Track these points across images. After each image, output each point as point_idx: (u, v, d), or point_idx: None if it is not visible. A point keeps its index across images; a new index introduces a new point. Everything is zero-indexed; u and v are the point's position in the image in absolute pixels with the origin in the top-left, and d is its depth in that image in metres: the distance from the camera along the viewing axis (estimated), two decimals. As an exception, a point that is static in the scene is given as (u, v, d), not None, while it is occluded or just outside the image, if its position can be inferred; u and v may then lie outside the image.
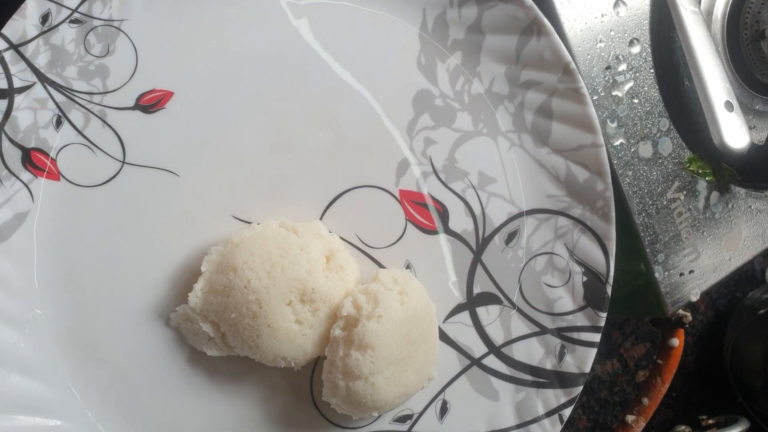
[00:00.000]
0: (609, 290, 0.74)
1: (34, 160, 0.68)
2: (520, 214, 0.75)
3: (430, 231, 0.74)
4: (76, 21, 0.68)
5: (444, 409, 0.75)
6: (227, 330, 0.66)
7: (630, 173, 0.77)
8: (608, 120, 0.76)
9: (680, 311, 0.82)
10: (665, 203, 0.79)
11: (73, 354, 0.69)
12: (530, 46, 0.73)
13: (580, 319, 0.74)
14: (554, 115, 0.74)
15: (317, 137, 0.73)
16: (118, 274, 0.69)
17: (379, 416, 0.73)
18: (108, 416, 0.69)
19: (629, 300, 0.83)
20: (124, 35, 0.69)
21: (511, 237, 0.75)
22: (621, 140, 0.77)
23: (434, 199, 0.75)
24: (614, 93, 0.77)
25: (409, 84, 0.74)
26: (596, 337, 0.74)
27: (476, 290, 0.75)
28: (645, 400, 0.83)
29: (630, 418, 0.83)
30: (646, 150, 0.78)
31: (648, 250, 0.78)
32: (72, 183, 0.69)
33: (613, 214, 0.73)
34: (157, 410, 0.70)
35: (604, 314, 0.74)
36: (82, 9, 0.68)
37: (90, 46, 0.68)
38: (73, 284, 0.69)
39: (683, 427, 0.91)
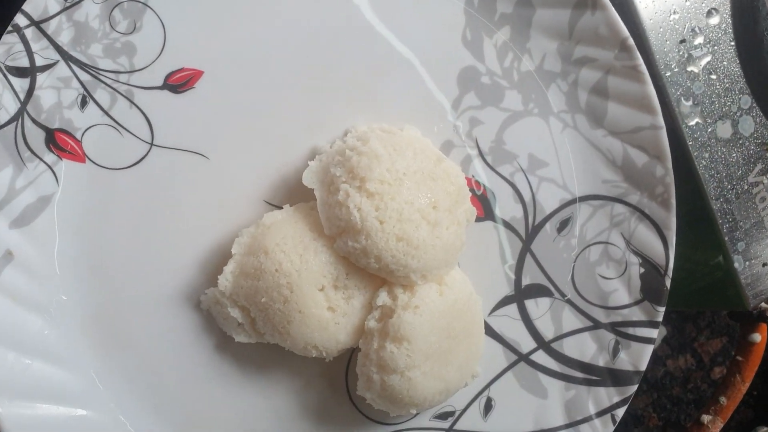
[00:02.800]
0: (668, 283, 0.69)
1: (58, 141, 0.66)
2: (573, 201, 0.71)
3: (476, 218, 0.70)
4: (100, -4, 0.66)
5: (488, 407, 0.71)
6: (257, 315, 0.64)
7: (707, 155, 0.72)
8: (683, 98, 0.71)
9: (763, 304, 0.76)
10: (746, 187, 0.73)
11: (99, 341, 0.68)
12: (584, 21, 0.68)
13: (636, 314, 0.70)
14: (610, 94, 0.69)
15: (355, 118, 0.69)
16: (145, 258, 0.68)
17: (418, 413, 0.70)
18: (132, 405, 0.68)
19: (705, 292, 0.78)
20: (152, 11, 0.66)
21: (563, 225, 0.71)
22: (697, 120, 0.71)
23: (480, 184, 0.71)
24: (689, 68, 0.71)
25: (454, 60, 0.70)
26: (653, 333, 0.70)
27: (525, 281, 0.71)
28: (723, 399, 0.79)
29: (706, 418, 0.79)
30: (724, 130, 0.72)
31: (727, 239, 0.73)
32: (98, 165, 0.67)
33: (674, 201, 0.68)
34: (183, 399, 0.69)
35: (663, 309, 0.70)
36: (106, -16, 0.66)
37: (115, 23, 0.66)
38: (98, 269, 0.67)
39: (766, 429, 0.86)
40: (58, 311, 0.67)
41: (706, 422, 0.79)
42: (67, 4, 0.64)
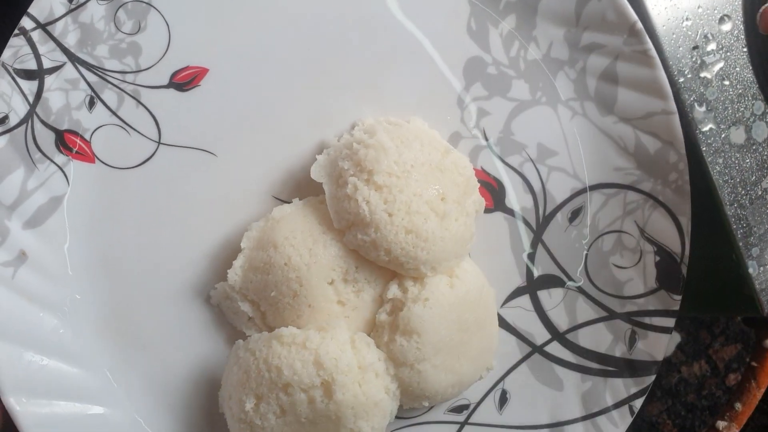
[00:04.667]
0: (685, 271, 0.68)
1: (67, 142, 0.67)
2: (584, 190, 0.70)
3: (486, 209, 0.70)
4: (104, -3, 0.67)
5: (503, 399, 0.71)
6: (267, 309, 0.65)
7: (720, 161, 0.70)
8: (696, 104, 0.70)
9: None
10: (760, 193, 0.72)
11: (111, 339, 0.68)
12: (591, 6, 0.68)
13: (652, 303, 0.69)
14: (620, 80, 0.68)
15: (362, 111, 0.69)
16: (155, 255, 0.68)
17: (432, 406, 0.70)
18: (146, 402, 0.69)
19: (719, 298, 0.77)
20: (156, 11, 0.67)
21: (575, 214, 0.70)
22: (710, 125, 0.70)
23: (489, 175, 0.70)
24: (702, 75, 0.70)
25: (459, 51, 0.70)
26: (670, 322, 0.69)
27: (537, 272, 0.71)
28: (738, 406, 0.77)
29: (721, 424, 0.77)
30: (738, 136, 0.71)
31: (741, 244, 0.71)
32: (107, 165, 0.68)
33: (689, 188, 0.67)
34: (195, 395, 0.69)
35: (679, 297, 0.68)
36: (110, -15, 0.67)
37: (120, 24, 0.67)
38: (110, 267, 0.68)
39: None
40: (71, 310, 0.67)
41: (721, 429, 0.78)
42: (73, 6, 0.65)
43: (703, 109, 0.70)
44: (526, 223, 0.70)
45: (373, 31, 0.69)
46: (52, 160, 0.66)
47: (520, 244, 0.71)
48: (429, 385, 0.64)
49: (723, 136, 0.70)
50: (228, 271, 0.65)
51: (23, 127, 0.65)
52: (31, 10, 0.64)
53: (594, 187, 0.70)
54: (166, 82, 0.68)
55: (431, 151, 0.64)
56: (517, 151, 0.70)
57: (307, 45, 0.69)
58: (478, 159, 0.70)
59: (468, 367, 0.66)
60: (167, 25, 0.67)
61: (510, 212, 0.70)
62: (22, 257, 0.65)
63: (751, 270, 0.71)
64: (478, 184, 0.67)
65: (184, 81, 0.68)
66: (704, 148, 0.70)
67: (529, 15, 0.69)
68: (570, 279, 0.70)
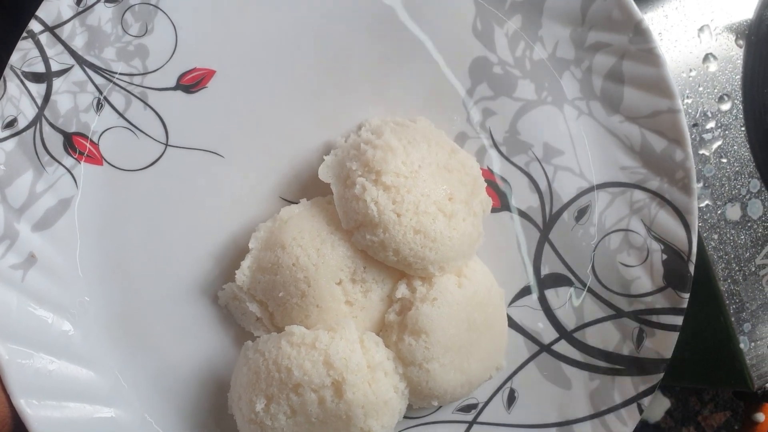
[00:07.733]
0: (692, 269, 0.68)
1: (76, 144, 0.67)
2: (590, 189, 0.70)
3: (492, 209, 0.70)
4: (111, 0, 0.66)
5: (511, 398, 0.71)
6: (275, 310, 0.65)
7: (716, 237, 0.72)
8: None
9: (767, 385, 0.76)
10: (753, 269, 0.73)
11: (121, 340, 0.69)
12: (597, 5, 0.67)
13: (659, 301, 0.69)
14: (626, 79, 0.68)
15: (368, 111, 0.70)
16: (164, 257, 0.69)
17: (441, 406, 0.70)
18: (156, 404, 0.69)
19: (710, 371, 0.78)
20: (162, 13, 0.67)
21: (581, 213, 0.70)
22: (707, 201, 0.72)
23: (495, 175, 0.70)
24: (701, 152, 0.72)
25: (465, 51, 0.70)
26: (678, 320, 0.68)
27: (544, 271, 0.71)
28: None
29: None
30: (734, 212, 0.73)
31: (733, 319, 0.73)
32: (115, 167, 0.68)
33: (695, 186, 0.67)
34: (205, 396, 0.69)
35: (687, 295, 0.68)
36: (117, -13, 0.67)
37: (127, 26, 0.67)
38: (119, 270, 0.68)
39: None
40: (81, 312, 0.68)
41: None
42: (80, 9, 0.65)
43: (701, 185, 0.72)
44: (533, 223, 0.70)
45: (378, 31, 0.69)
46: (60, 163, 0.67)
47: (526, 244, 0.71)
48: (438, 385, 0.64)
49: (719, 212, 0.72)
50: (236, 271, 0.65)
51: (32, 129, 0.66)
52: (39, 13, 0.65)
53: (600, 186, 0.70)
54: (173, 83, 0.68)
55: (438, 151, 0.65)
56: (524, 150, 0.70)
57: (313, 46, 0.69)
58: (484, 159, 0.70)
59: (477, 367, 0.66)
60: (174, 27, 0.68)
61: (516, 212, 0.70)
62: (31, 260, 0.66)
63: (742, 345, 0.73)
64: (485, 184, 0.67)
65: (191, 83, 0.68)
66: (700, 224, 0.72)
67: (534, 15, 0.69)
68: (577, 278, 0.70)
